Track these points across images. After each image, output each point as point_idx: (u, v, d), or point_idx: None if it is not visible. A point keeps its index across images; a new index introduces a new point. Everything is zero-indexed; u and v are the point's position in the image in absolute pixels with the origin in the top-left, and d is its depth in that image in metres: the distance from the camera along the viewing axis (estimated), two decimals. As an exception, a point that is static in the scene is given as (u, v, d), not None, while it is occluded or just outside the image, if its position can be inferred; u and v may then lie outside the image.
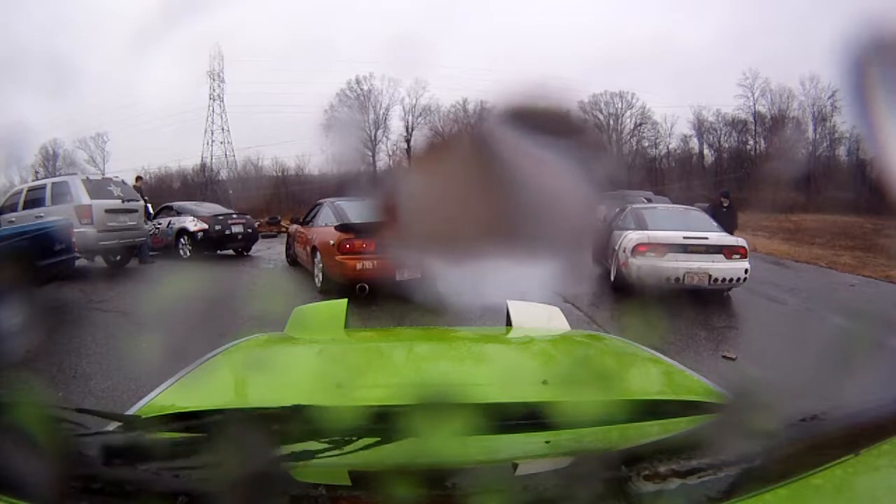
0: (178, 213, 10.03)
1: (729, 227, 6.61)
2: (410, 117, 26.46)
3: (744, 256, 5.71)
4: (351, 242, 5.56)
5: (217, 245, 9.45)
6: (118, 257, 8.38)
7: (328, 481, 0.58)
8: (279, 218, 11.83)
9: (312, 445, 0.68)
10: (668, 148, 27.55)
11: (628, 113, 26.98)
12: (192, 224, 9.52)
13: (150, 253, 8.97)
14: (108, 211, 7.73)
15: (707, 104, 25.77)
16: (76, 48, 35.05)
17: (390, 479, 0.56)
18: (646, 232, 5.95)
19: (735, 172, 24.55)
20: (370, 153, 26.15)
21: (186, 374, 1.06)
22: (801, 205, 18.68)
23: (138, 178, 10.84)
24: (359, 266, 5.46)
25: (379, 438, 0.68)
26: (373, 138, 26.35)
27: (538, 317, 1.68)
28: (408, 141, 25.47)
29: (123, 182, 8.81)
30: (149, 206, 9.41)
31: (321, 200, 7.42)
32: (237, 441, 0.58)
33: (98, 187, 7.97)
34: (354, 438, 0.68)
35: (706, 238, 5.77)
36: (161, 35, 26.09)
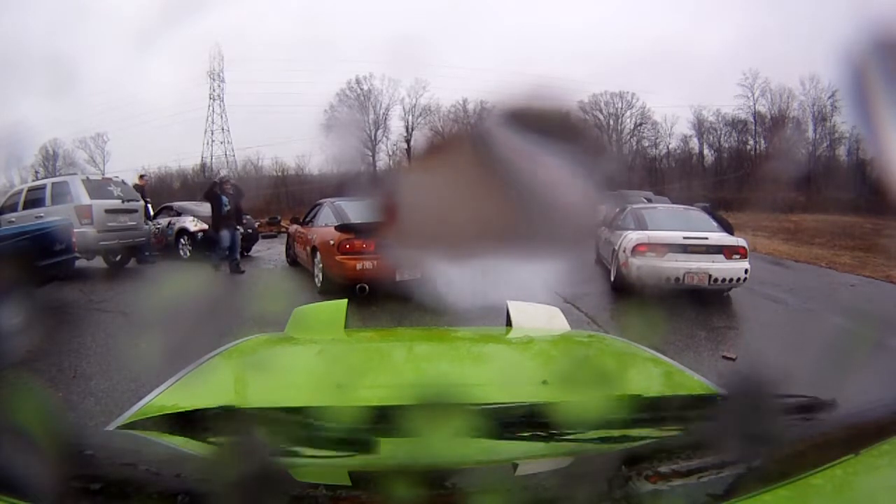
0: (178, 214, 10.02)
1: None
2: (410, 117, 26.50)
3: (744, 256, 5.71)
4: (351, 242, 5.56)
5: (217, 245, 9.44)
6: (118, 257, 8.39)
7: (328, 481, 0.58)
8: (279, 218, 11.80)
9: (312, 445, 0.68)
10: (668, 148, 27.59)
11: (628, 113, 27.02)
12: (192, 224, 9.51)
13: (150, 253, 8.95)
14: (108, 211, 7.73)
15: (707, 104, 25.82)
16: (76, 48, 35.01)
17: (390, 479, 0.56)
18: (646, 232, 5.95)
19: (735, 172, 24.56)
20: (370, 153, 26.21)
21: (186, 374, 1.06)
22: (801, 205, 18.66)
23: (141, 178, 10.71)
24: (359, 266, 5.46)
25: (379, 438, 0.68)
26: (373, 138, 26.40)
27: (538, 317, 1.67)
28: (408, 141, 25.49)
29: (123, 182, 8.81)
30: (149, 206, 9.33)
31: (321, 200, 7.42)
32: (237, 441, 0.58)
33: (98, 187, 7.97)
34: (355, 438, 0.68)
35: (706, 238, 5.76)
36: (161, 35, 26.19)
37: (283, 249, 8.86)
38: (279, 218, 11.80)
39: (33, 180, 12.78)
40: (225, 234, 7.67)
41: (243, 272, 7.70)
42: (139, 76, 34.86)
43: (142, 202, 8.69)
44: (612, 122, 26.55)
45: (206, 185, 8.90)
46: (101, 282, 7.08)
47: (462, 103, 24.41)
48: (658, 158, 27.54)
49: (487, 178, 0.65)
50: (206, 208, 10.21)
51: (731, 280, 5.64)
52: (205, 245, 9.06)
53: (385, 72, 25.63)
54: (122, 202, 8.08)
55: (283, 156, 28.83)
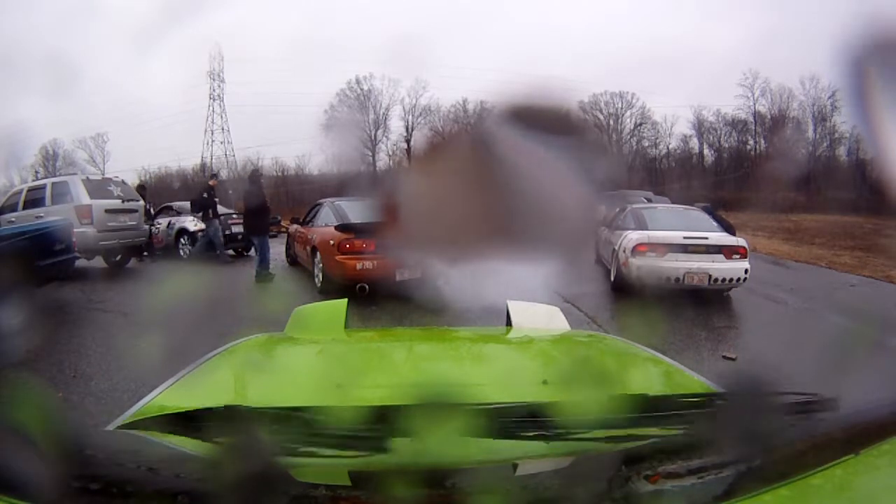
0: (178, 213, 10.01)
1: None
2: (410, 117, 26.52)
3: (744, 256, 5.71)
4: (351, 242, 5.56)
5: (217, 245, 9.44)
6: (118, 257, 8.39)
7: (328, 481, 0.58)
8: (279, 218, 11.77)
9: (312, 445, 0.68)
10: (668, 148, 27.61)
11: (628, 113, 27.03)
12: (192, 224, 9.51)
13: (221, 252, 8.81)
14: (107, 211, 7.74)
15: (707, 104, 25.83)
16: (76, 48, 35.06)
17: (390, 479, 0.56)
18: (646, 232, 5.95)
19: (735, 172, 24.57)
20: (370, 153, 26.21)
21: (186, 375, 1.06)
22: (801, 205, 18.65)
23: (213, 178, 10.02)
24: (359, 266, 5.46)
25: (379, 438, 0.68)
26: (373, 138, 26.41)
27: (538, 317, 1.67)
28: (408, 141, 25.49)
29: (123, 182, 8.81)
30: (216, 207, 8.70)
31: (321, 200, 7.42)
32: (237, 441, 0.58)
33: (98, 187, 7.98)
34: (354, 438, 0.68)
35: (706, 238, 5.76)
36: (161, 35, 26.26)
37: (283, 249, 8.86)
38: (279, 218, 11.76)
39: (33, 180, 12.76)
40: (265, 238, 7.24)
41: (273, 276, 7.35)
42: (139, 76, 34.96)
43: (142, 202, 8.69)
44: (612, 122, 26.57)
45: (246, 179, 8.33)
46: (101, 282, 7.08)
47: (462, 103, 24.47)
48: (658, 158, 27.57)
49: (487, 179, 0.65)
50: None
51: (731, 280, 5.64)
52: (205, 245, 9.00)
53: (385, 72, 25.67)
54: (122, 202, 8.08)
55: (282, 156, 28.84)
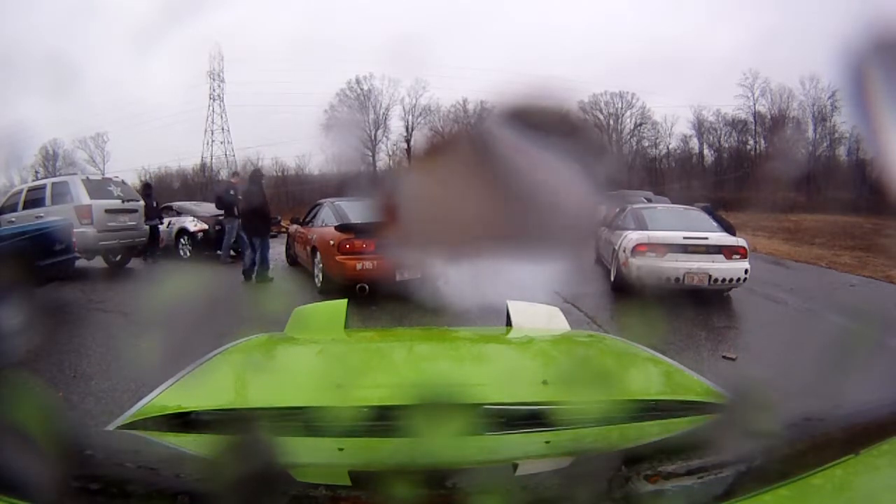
0: (178, 213, 10.02)
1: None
2: (410, 117, 26.51)
3: (744, 256, 5.71)
4: (351, 242, 5.56)
5: (217, 245, 9.44)
6: (118, 257, 8.39)
7: (328, 481, 0.58)
8: (279, 218, 11.77)
9: (312, 445, 0.68)
10: (668, 148, 27.61)
11: (628, 113, 27.03)
12: (191, 224, 9.51)
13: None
14: (107, 211, 7.75)
15: (707, 104, 25.83)
16: (76, 48, 35.01)
17: (390, 479, 0.56)
18: (646, 232, 5.95)
19: (735, 172, 24.57)
20: (370, 153, 26.20)
21: (186, 375, 1.06)
22: (801, 205, 18.65)
23: (235, 175, 9.85)
24: (359, 266, 5.47)
25: (379, 438, 0.68)
26: (373, 138, 26.39)
27: (538, 317, 1.68)
28: (408, 141, 25.49)
29: (123, 182, 8.82)
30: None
31: (321, 200, 7.41)
32: (237, 441, 0.58)
33: (98, 187, 7.99)
34: (354, 438, 0.68)
35: (706, 238, 5.76)
36: (161, 35, 26.25)
37: (283, 249, 8.86)
38: (279, 218, 11.75)
39: (33, 180, 12.77)
40: (266, 239, 7.21)
41: (272, 279, 7.30)
42: (139, 76, 34.90)
43: (142, 202, 8.69)
44: (612, 122, 26.56)
45: (246, 179, 8.16)
46: (101, 282, 7.08)
47: (462, 103, 24.47)
48: (658, 158, 27.56)
49: (487, 179, 0.65)
50: (205, 208, 10.17)
51: (731, 280, 5.64)
52: (204, 245, 8.99)
53: (385, 72, 25.66)
54: (122, 202, 8.09)
55: (283, 156, 28.81)
